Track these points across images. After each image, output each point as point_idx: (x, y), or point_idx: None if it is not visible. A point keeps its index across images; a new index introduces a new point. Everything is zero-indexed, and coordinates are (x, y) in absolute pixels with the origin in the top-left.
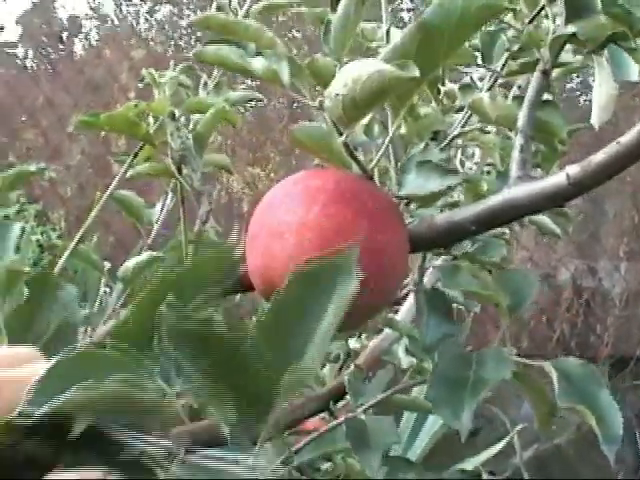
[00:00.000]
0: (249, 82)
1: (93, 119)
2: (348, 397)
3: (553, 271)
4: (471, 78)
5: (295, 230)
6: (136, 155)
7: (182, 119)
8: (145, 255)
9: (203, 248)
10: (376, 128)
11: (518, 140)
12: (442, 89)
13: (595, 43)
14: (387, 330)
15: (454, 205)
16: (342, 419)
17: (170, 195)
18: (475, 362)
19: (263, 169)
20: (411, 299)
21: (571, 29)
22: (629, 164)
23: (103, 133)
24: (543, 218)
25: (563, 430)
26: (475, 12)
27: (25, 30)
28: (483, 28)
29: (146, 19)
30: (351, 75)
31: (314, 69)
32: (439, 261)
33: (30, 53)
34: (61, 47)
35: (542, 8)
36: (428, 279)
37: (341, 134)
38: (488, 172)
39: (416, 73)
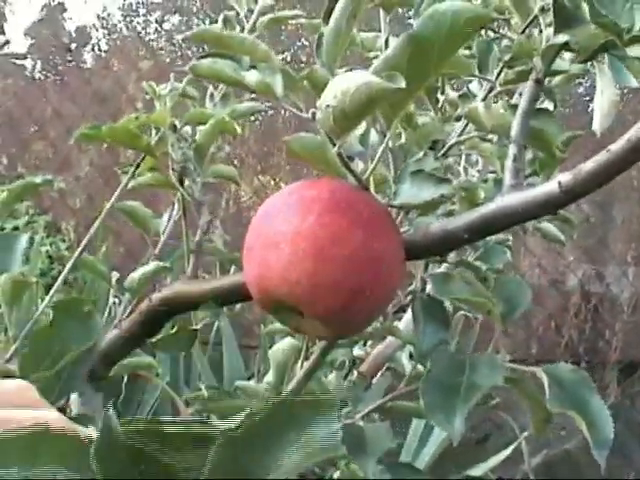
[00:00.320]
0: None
1: (95, 131)
2: None
3: (561, 277)
4: (467, 87)
5: (290, 240)
6: (138, 166)
7: (188, 130)
8: (152, 265)
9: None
10: (374, 137)
11: (511, 149)
12: (441, 98)
13: (587, 52)
14: (391, 337)
15: (452, 213)
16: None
17: (177, 205)
18: (468, 368)
19: (272, 178)
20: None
21: (563, 38)
22: (619, 172)
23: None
24: (548, 225)
25: (572, 435)
26: (465, 23)
27: (33, 42)
28: (478, 38)
29: (155, 29)
30: (340, 87)
31: (313, 79)
32: (442, 268)
33: (38, 64)
34: (69, 58)
35: (535, 18)
36: (430, 287)
37: (334, 144)
38: (485, 180)
39: (402, 85)
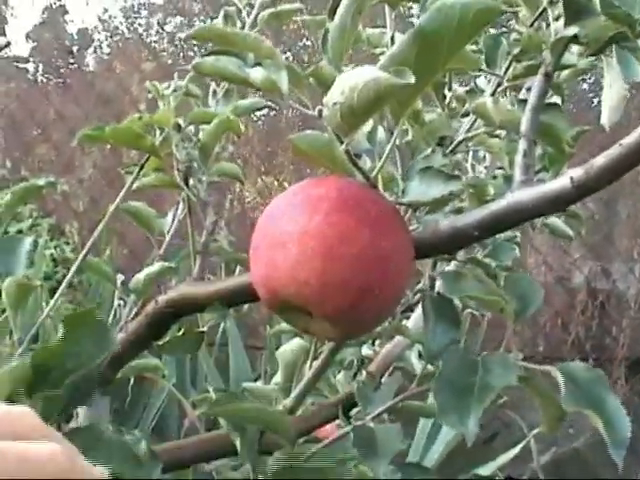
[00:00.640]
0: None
1: (98, 133)
2: None
3: (567, 274)
4: (475, 83)
5: (297, 239)
6: (142, 167)
7: (192, 129)
8: (156, 266)
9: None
10: (381, 135)
11: (521, 145)
12: (448, 94)
13: (597, 44)
14: (399, 336)
15: (461, 211)
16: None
17: (181, 205)
18: (481, 368)
19: (276, 178)
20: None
21: (572, 31)
22: (632, 166)
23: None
24: (555, 220)
25: (581, 433)
26: (474, 16)
27: (35, 45)
28: (485, 32)
29: (157, 31)
30: (348, 83)
31: (319, 77)
32: (451, 266)
33: (40, 67)
34: (71, 61)
35: (543, 10)
36: (439, 285)
37: (342, 142)
38: (494, 177)
39: (411, 80)
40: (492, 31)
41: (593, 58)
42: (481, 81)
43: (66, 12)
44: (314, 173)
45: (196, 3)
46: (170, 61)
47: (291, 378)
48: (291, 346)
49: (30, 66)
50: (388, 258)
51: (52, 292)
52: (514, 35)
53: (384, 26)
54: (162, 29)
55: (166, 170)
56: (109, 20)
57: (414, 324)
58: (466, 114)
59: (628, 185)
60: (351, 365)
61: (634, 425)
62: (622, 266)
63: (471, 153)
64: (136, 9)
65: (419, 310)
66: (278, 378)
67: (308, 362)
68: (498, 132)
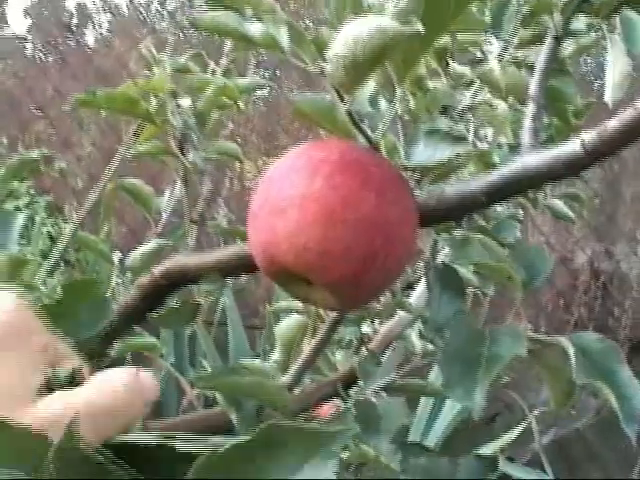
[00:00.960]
0: (261, 72)
1: (90, 97)
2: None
3: (570, 254)
4: (482, 51)
5: (298, 204)
6: (137, 134)
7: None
8: (153, 243)
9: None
10: (383, 105)
11: (530, 108)
12: (451, 63)
13: (609, 7)
14: (400, 314)
15: None
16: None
17: (179, 184)
18: (489, 338)
19: (277, 157)
20: (425, 282)
21: None
22: None
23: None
24: (557, 202)
25: (583, 414)
26: None
27: (34, 21)
28: None
29: (157, 10)
30: (351, 34)
31: (319, 43)
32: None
33: (39, 44)
34: (69, 36)
35: None
36: (443, 256)
37: (343, 100)
38: (499, 145)
39: (420, 28)
40: None
41: (597, 35)
42: (486, 49)
43: None
44: None
45: None
46: (170, 39)
47: (289, 355)
48: (289, 322)
49: (28, 43)
50: (393, 224)
51: (50, 271)
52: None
53: None
54: (162, 8)
55: (162, 139)
56: None
57: (416, 301)
58: (469, 84)
59: (632, 166)
60: (350, 344)
61: None
62: (625, 247)
63: (473, 130)
64: None
65: (421, 287)
66: (276, 355)
67: (306, 339)
68: (497, 102)
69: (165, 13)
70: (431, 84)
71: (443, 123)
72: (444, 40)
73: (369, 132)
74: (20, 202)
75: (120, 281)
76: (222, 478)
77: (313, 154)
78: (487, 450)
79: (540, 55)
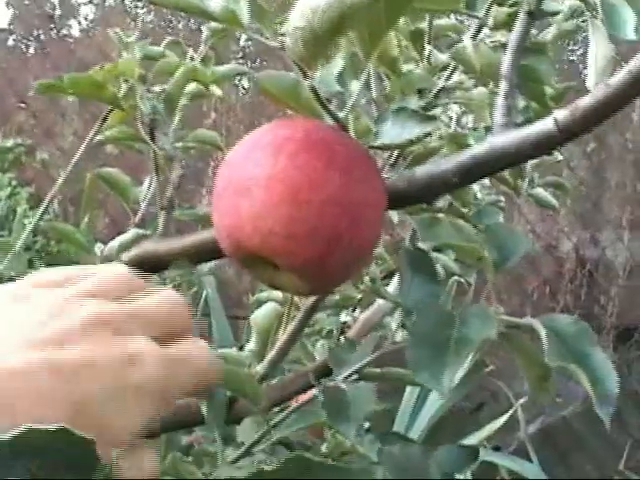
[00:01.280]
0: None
1: (57, 82)
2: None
3: (555, 242)
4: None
5: (263, 185)
6: (105, 120)
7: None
8: (130, 233)
9: None
10: (355, 85)
11: (502, 86)
12: (427, 46)
13: None
14: (379, 302)
15: None
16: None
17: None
18: (458, 320)
19: None
20: None
21: None
22: (619, 107)
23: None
24: (541, 191)
25: (569, 402)
26: None
27: (16, 13)
28: None
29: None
30: (309, 4)
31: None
32: None
33: (21, 35)
34: (52, 27)
35: None
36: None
37: (307, 76)
38: (475, 129)
39: None
40: None
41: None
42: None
43: None
44: None
45: None
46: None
47: (266, 344)
48: (265, 311)
49: (10, 35)
50: (359, 205)
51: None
52: None
53: None
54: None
55: (131, 124)
56: None
57: (395, 289)
58: (446, 67)
59: (617, 152)
60: (330, 334)
61: (622, 395)
62: (611, 234)
63: (454, 118)
64: None
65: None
66: (252, 344)
67: (282, 327)
68: (480, 89)
69: (152, 8)
70: (405, 67)
71: (413, 102)
72: (421, 24)
73: (335, 111)
74: (2, 193)
75: None
76: None
77: (278, 132)
78: (473, 440)
79: (513, 32)
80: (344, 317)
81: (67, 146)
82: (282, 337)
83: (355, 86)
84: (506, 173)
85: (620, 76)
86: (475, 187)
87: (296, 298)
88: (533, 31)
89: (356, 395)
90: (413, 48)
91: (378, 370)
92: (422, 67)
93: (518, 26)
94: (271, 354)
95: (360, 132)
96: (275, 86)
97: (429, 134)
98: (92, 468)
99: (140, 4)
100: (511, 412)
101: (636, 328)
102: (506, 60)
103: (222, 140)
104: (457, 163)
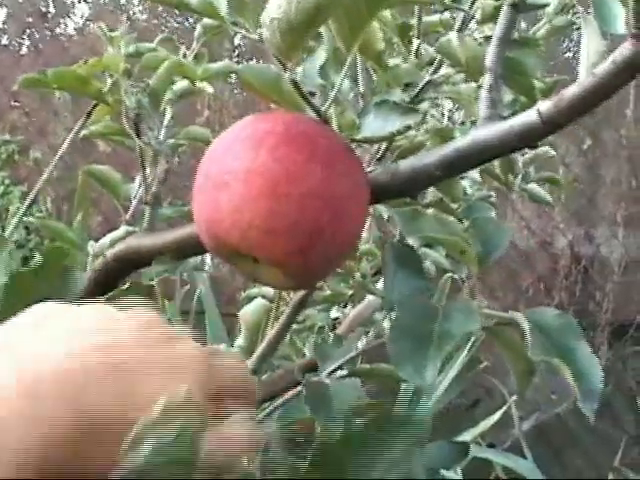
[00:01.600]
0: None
1: (41, 77)
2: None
3: (550, 238)
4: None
5: (241, 178)
6: (90, 115)
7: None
8: (121, 230)
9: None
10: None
11: (487, 79)
12: (415, 42)
13: None
14: (369, 298)
15: None
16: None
17: (148, 170)
18: (441, 315)
19: None
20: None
21: None
22: (604, 98)
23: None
24: (535, 186)
25: (564, 399)
26: None
27: (9, 12)
28: None
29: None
30: None
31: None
32: None
33: (14, 33)
34: (46, 25)
35: None
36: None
37: (286, 69)
38: (462, 123)
39: None
40: None
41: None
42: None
43: None
44: None
45: None
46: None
47: (255, 340)
48: (254, 307)
49: (3, 33)
50: (341, 198)
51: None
52: None
53: None
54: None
55: (117, 118)
56: None
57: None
58: (433, 61)
59: (612, 149)
60: (322, 330)
61: (617, 392)
62: (606, 230)
63: (446, 116)
64: None
65: None
66: (240, 340)
67: (271, 323)
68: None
69: (147, 7)
70: (392, 61)
71: (397, 94)
72: (409, 19)
73: (317, 104)
74: None
75: None
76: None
77: (258, 125)
78: (467, 436)
79: (497, 24)
80: (335, 313)
81: (60, 144)
82: (271, 332)
83: (338, 79)
84: (497, 169)
85: (605, 66)
86: (465, 182)
87: (285, 294)
88: (524, 26)
89: (339, 389)
90: (401, 42)
91: (367, 366)
92: (410, 61)
93: (502, 18)
94: (260, 349)
95: (345, 126)
96: (257, 79)
97: (410, 127)
98: None
99: (135, 1)
100: (504, 409)
101: (631, 324)
102: (490, 53)
103: (215, 137)
104: (440, 156)
